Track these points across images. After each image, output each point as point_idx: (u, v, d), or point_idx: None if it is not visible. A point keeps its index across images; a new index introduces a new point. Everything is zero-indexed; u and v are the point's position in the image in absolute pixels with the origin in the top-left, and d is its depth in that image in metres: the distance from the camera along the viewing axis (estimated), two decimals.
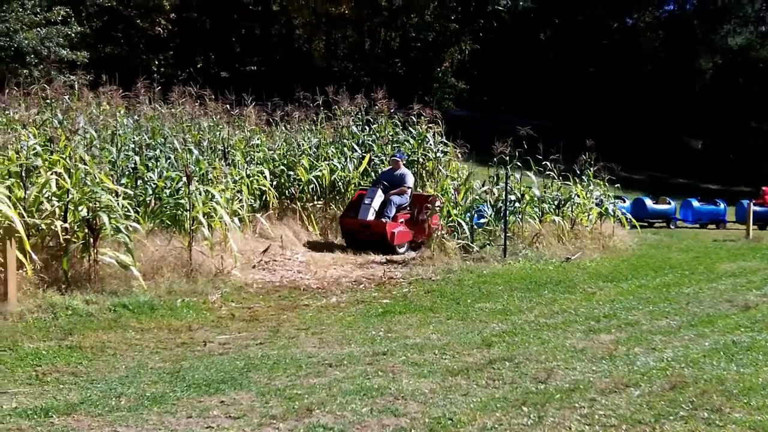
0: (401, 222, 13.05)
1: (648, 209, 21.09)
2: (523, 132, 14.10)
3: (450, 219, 12.92)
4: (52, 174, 8.88)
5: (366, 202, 13.01)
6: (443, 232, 12.74)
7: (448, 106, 35.41)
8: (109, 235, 8.59)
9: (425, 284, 10.65)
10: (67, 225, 8.57)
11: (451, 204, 13.24)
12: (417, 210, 13.28)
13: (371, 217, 12.90)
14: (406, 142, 17.39)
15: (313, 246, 12.99)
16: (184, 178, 10.44)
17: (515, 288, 10.41)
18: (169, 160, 12.07)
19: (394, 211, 12.95)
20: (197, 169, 11.86)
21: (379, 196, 13.09)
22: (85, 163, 9.26)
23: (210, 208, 10.48)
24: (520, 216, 14.26)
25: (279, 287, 10.13)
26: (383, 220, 12.84)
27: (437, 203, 13.12)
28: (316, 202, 14.83)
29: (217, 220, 10.68)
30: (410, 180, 13.43)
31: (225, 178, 11.93)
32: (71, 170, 9.10)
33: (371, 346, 7.16)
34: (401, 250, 12.78)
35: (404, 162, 14.41)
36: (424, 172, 17.10)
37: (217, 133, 14.02)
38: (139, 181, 11.19)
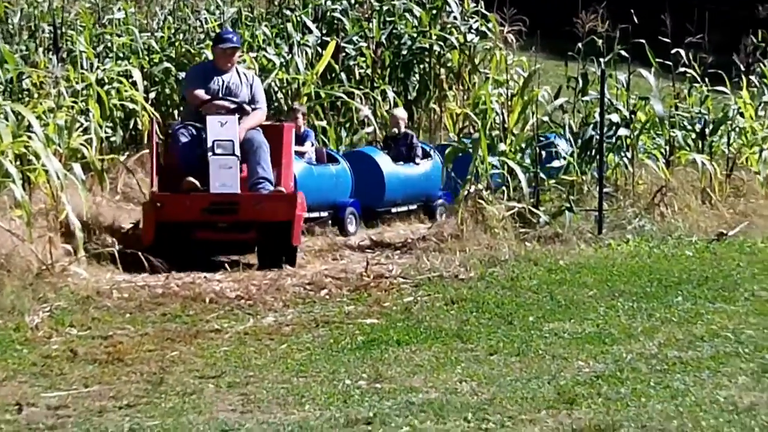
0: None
1: None
2: None
3: (489, 165, 12.95)
4: None
5: (218, 150, 11.46)
6: (481, 187, 12.76)
7: None
8: None
9: (447, 287, 10.66)
10: None
11: (495, 134, 13.19)
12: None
13: (236, 185, 11.53)
14: (406, 15, 17.31)
15: None
16: None
17: (620, 293, 10.43)
18: None
19: (269, 162, 11.74)
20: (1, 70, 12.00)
21: (232, 129, 11.60)
22: None
23: (26, 148, 10.61)
24: (627, 155, 14.29)
25: (163, 296, 10.28)
26: (275, 187, 11.71)
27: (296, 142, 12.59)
28: None
29: (40, 170, 10.66)
30: (263, 95, 12.45)
31: (55, 88, 11.93)
32: None
33: (343, 408, 7.13)
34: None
35: (241, 54, 13.73)
36: (443, 71, 17.07)
37: (41, 0, 14.16)
38: None
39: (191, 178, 11.23)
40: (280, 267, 11.29)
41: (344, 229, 13.90)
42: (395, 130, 14.99)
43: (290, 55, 15.61)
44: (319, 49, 16.04)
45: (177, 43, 15.12)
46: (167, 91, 14.86)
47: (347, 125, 16.22)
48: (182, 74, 14.80)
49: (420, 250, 12.25)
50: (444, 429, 6.62)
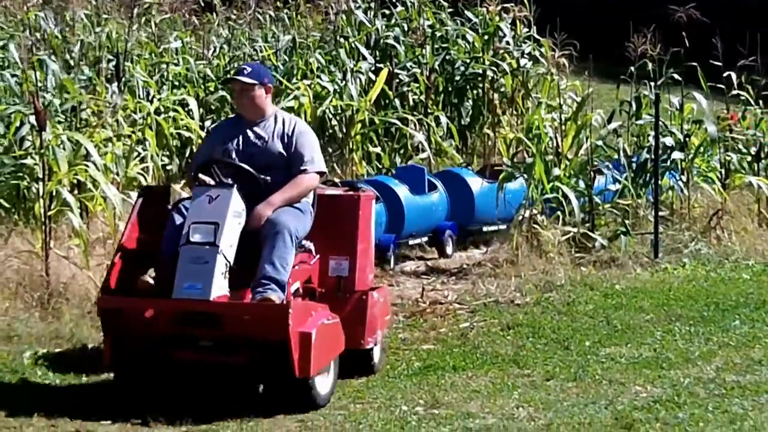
0: (305, 291, 8.35)
1: None
2: (682, 16, 14.00)
3: (543, 190, 12.90)
4: None
5: (194, 236, 7.68)
6: (536, 212, 12.70)
7: None
8: None
9: (503, 313, 10.66)
10: None
11: (548, 159, 13.16)
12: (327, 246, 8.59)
13: (219, 289, 7.65)
14: (459, 41, 17.30)
15: None
16: (32, 118, 10.52)
17: (677, 317, 10.40)
18: (3, 84, 12.19)
19: (291, 258, 7.84)
20: (58, 100, 11.86)
21: (234, 215, 7.82)
22: None
23: (84, 175, 10.59)
24: (682, 178, 14.18)
25: None
26: (264, 291, 7.66)
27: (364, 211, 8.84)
28: None
29: (98, 198, 10.65)
30: (312, 149, 8.31)
31: (113, 117, 11.91)
32: None
33: None
34: (323, 393, 7.93)
35: (275, 92, 9.51)
36: (496, 96, 17.03)
37: (99, 30, 14.09)
38: None
39: (146, 276, 7.83)
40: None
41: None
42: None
43: (344, 82, 15.51)
44: (373, 76, 15.94)
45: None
46: (222, 119, 14.50)
47: (401, 151, 16.08)
48: None
49: (475, 275, 12.23)
50: None
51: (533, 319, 10.38)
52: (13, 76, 12.27)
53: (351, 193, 8.86)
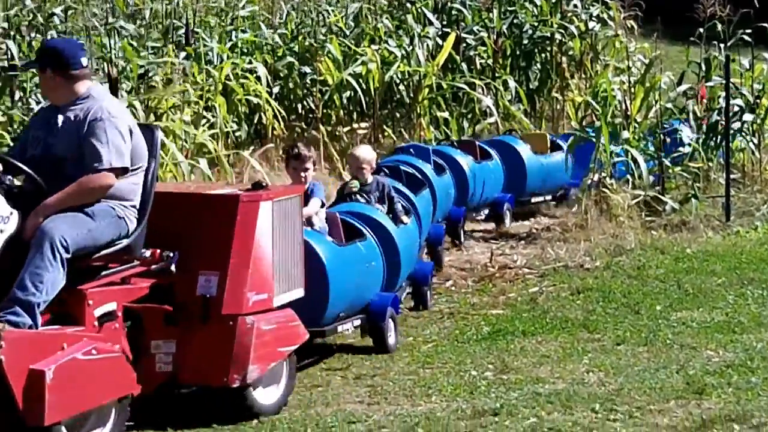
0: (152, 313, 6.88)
1: None
2: None
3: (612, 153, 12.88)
4: None
5: None
6: (604, 175, 12.66)
7: None
8: None
9: (572, 277, 10.66)
10: None
11: (617, 122, 13.15)
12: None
13: None
14: (526, 4, 17.24)
15: None
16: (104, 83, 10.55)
17: (749, 280, 10.33)
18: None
19: (51, 274, 6.07)
20: (129, 65, 11.97)
21: None
22: None
23: None
24: (754, 140, 14.16)
25: None
26: (3, 317, 5.89)
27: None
28: (356, 126, 15.00)
29: (169, 163, 10.74)
30: (106, 140, 6.39)
31: (182, 82, 11.97)
32: None
33: (469, 399, 7.16)
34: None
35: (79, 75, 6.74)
36: (564, 60, 16.95)
37: None
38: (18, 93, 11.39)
39: None
40: None
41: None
42: (356, 180, 9.70)
43: (411, 47, 15.50)
44: (440, 41, 15.93)
45: (300, 38, 15.09)
46: (290, 85, 14.80)
47: (469, 116, 16.04)
48: (305, 68, 14.78)
49: (544, 240, 12.26)
50: (571, 420, 6.58)
51: (603, 283, 10.37)
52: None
53: (230, 193, 7.11)
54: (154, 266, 6.63)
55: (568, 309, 9.57)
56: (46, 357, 5.78)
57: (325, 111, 14.76)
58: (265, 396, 6.92)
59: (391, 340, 8.51)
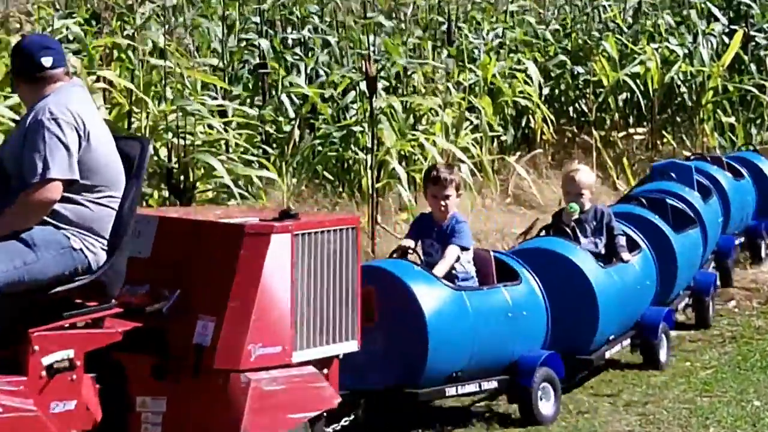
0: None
1: None
2: None
3: None
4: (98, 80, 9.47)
5: None
6: None
7: None
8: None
9: None
10: None
11: None
12: None
13: None
14: None
15: None
16: (362, 84, 10.86)
17: None
18: (329, 49, 12.39)
19: None
20: (388, 64, 12.10)
21: None
22: (163, 56, 9.86)
23: (413, 145, 10.86)
24: None
25: None
26: None
27: None
28: (632, 131, 14.84)
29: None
30: (44, 150, 5.45)
31: (444, 82, 12.08)
32: (136, 70, 9.72)
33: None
34: None
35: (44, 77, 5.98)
36: None
37: None
38: (269, 93, 11.54)
39: None
40: None
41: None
42: (573, 205, 8.49)
43: (694, 46, 15.19)
44: (726, 39, 15.51)
45: (573, 35, 14.93)
46: (561, 86, 14.60)
47: (757, 122, 15.58)
48: (578, 68, 14.51)
49: None
50: None
51: None
52: (325, 46, 12.48)
53: (234, 222, 6.02)
54: (145, 307, 5.66)
55: None
56: None
57: (598, 114, 14.51)
58: None
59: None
